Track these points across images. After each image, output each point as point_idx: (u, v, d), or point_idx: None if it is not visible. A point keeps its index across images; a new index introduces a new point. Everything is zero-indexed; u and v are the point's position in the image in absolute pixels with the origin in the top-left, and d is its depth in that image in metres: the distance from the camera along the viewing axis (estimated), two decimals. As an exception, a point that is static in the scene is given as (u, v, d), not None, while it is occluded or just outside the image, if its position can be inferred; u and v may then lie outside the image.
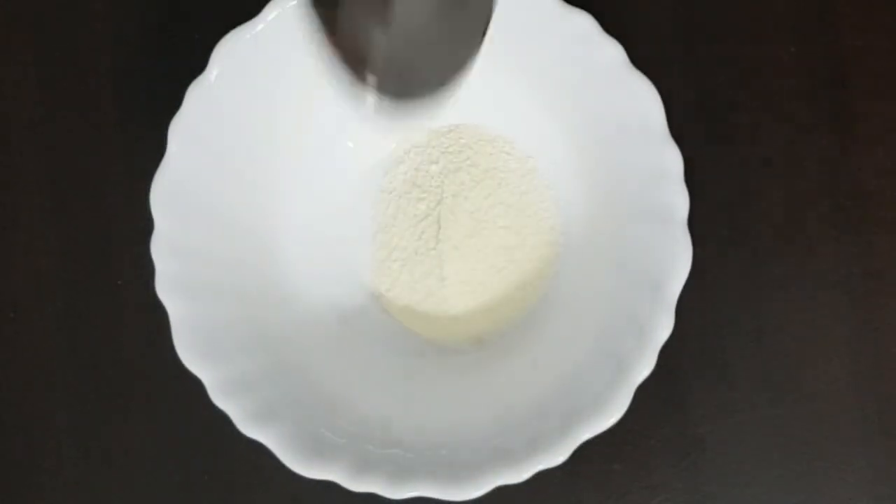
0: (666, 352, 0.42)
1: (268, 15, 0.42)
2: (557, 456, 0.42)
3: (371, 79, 0.30)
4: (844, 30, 0.49)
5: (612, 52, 0.42)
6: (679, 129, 0.43)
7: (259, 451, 0.42)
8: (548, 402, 0.44)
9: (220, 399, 0.42)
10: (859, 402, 0.48)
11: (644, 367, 0.42)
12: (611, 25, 0.42)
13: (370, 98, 0.30)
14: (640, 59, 0.42)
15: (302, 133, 0.47)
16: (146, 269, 0.43)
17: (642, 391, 0.42)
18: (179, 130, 0.42)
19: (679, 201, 0.42)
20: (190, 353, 0.42)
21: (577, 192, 0.47)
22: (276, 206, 0.47)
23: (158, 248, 0.42)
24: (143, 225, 0.43)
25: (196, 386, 0.42)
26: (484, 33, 0.32)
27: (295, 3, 0.42)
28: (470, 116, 0.48)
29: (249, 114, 0.44)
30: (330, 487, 0.42)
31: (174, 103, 0.42)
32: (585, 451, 0.42)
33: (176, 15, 0.49)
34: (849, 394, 0.48)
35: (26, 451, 0.49)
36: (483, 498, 0.42)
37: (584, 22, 0.42)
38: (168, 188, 0.43)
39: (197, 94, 0.42)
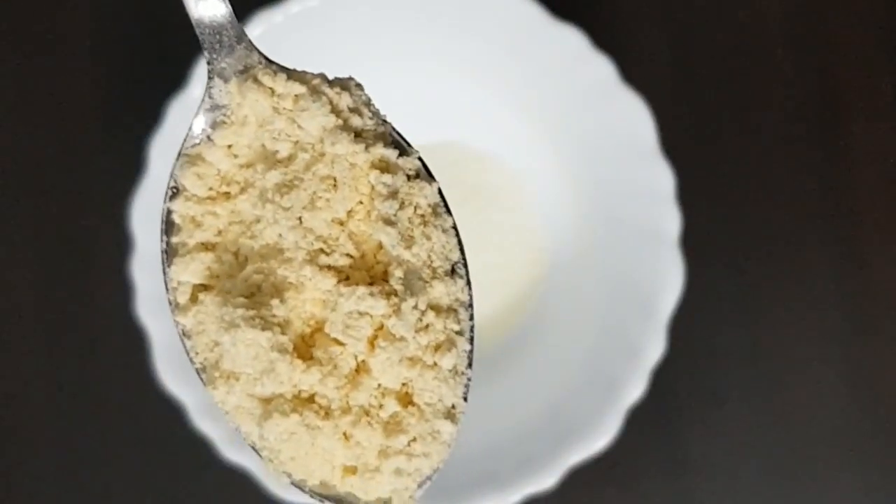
0: (657, 373, 0.42)
1: (252, 31, 0.42)
2: (547, 479, 0.41)
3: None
4: (839, 48, 0.49)
5: (603, 68, 0.42)
6: (672, 146, 0.42)
7: (239, 475, 0.42)
8: (537, 425, 0.43)
9: (203, 422, 0.41)
10: (854, 424, 0.48)
11: (635, 389, 0.42)
12: (602, 40, 0.42)
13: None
14: (632, 76, 0.42)
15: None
16: (124, 289, 0.42)
17: (634, 413, 0.42)
18: (161, 147, 0.42)
19: (670, 220, 0.42)
20: (172, 374, 0.42)
21: (565, 211, 0.46)
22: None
23: (140, 269, 0.42)
24: (123, 244, 0.42)
25: (173, 409, 0.42)
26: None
27: (280, 19, 0.42)
28: (457, 133, 0.47)
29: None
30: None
31: (155, 117, 0.42)
32: (576, 475, 0.41)
33: (156, 27, 0.49)
34: (843, 415, 0.48)
35: (3, 472, 0.48)
36: (471, 523, 0.41)
37: (574, 37, 0.42)
38: (149, 207, 0.42)
39: (179, 110, 0.42)
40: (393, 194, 0.27)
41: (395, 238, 0.27)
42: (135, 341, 0.43)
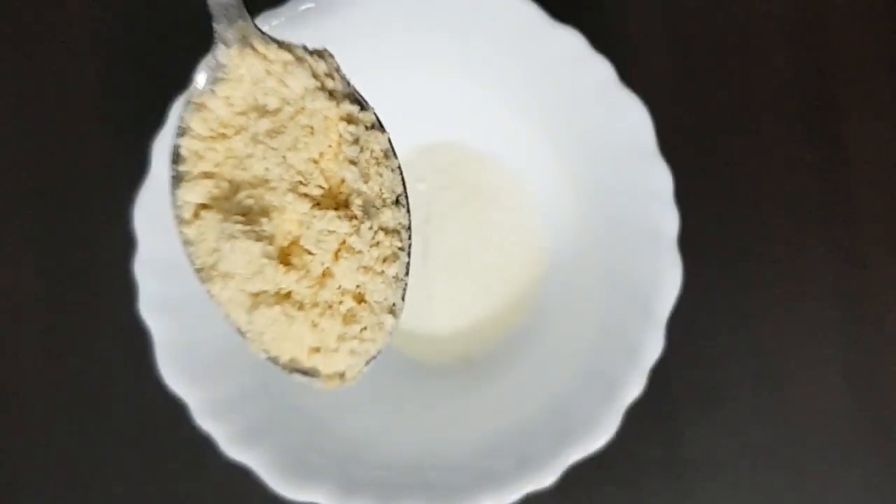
0: (656, 372, 0.42)
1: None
2: (546, 477, 0.41)
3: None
4: (838, 48, 0.49)
5: (601, 69, 0.41)
6: (672, 146, 0.42)
7: (242, 474, 0.41)
8: (537, 423, 0.43)
9: (205, 421, 0.41)
10: (853, 424, 0.48)
11: (634, 388, 0.41)
12: (602, 41, 0.42)
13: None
14: (632, 76, 0.42)
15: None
16: (127, 289, 0.42)
17: (633, 412, 0.41)
18: (164, 147, 0.42)
19: (669, 220, 0.42)
20: (174, 374, 0.42)
21: (565, 211, 0.46)
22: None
23: (142, 268, 0.42)
24: (125, 244, 0.42)
25: (177, 408, 0.42)
26: None
27: (282, 20, 0.42)
28: (457, 134, 0.47)
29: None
30: (315, 511, 0.41)
31: (158, 117, 0.42)
32: (575, 474, 0.41)
33: (159, 27, 0.49)
34: (842, 415, 0.48)
35: (5, 473, 0.48)
36: (471, 522, 0.41)
37: (573, 38, 0.42)
38: (152, 206, 0.42)
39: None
40: (356, 141, 0.35)
41: (356, 175, 0.35)
42: (136, 341, 0.43)
